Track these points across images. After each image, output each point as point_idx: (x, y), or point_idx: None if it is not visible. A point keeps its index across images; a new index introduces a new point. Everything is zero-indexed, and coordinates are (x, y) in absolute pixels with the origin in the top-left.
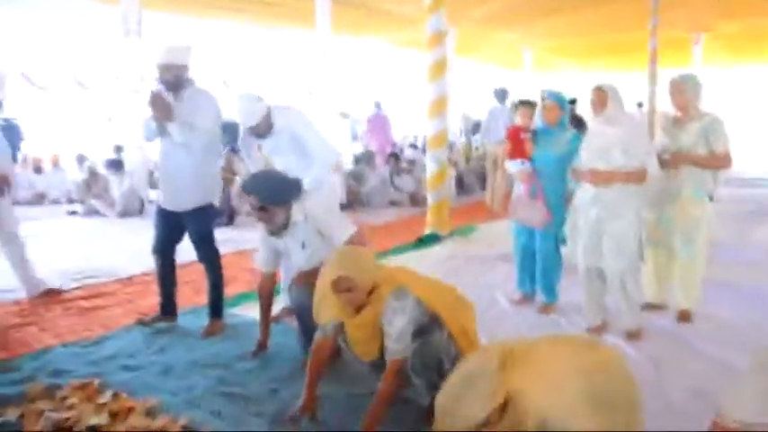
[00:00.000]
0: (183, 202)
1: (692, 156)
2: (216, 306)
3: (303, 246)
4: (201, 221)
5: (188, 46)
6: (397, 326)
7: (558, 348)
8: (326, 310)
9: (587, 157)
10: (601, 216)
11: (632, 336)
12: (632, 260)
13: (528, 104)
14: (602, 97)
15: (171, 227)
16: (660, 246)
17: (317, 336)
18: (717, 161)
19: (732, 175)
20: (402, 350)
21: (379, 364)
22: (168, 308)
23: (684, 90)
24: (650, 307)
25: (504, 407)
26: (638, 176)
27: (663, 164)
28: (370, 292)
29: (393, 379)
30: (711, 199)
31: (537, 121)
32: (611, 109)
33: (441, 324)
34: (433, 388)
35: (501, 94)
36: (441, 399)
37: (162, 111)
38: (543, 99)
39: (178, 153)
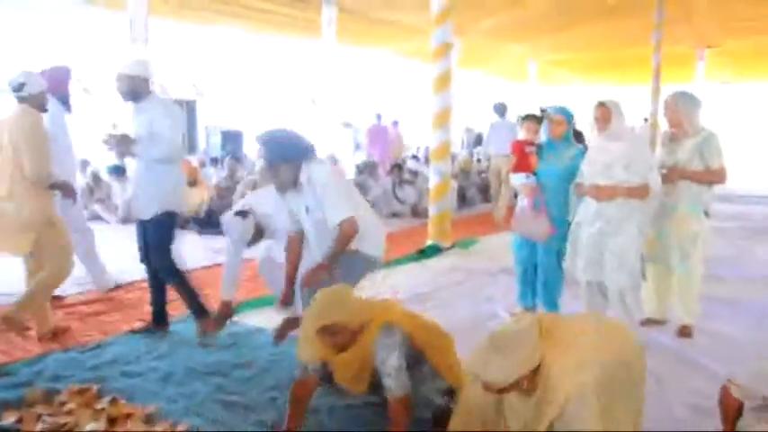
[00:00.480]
0: (143, 210)
1: (687, 171)
2: (195, 310)
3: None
4: (156, 230)
5: (148, 60)
6: (392, 363)
7: (584, 327)
8: (310, 351)
9: (590, 172)
10: (603, 231)
11: None
12: (633, 275)
13: (533, 118)
14: (605, 113)
15: (143, 235)
16: (659, 261)
17: (298, 375)
18: (712, 176)
19: (734, 192)
20: (402, 385)
21: (371, 396)
22: (159, 317)
23: (677, 107)
24: (651, 322)
25: (534, 372)
26: (640, 192)
27: (660, 179)
28: (358, 331)
29: (403, 416)
30: (707, 214)
31: (542, 136)
32: (615, 125)
33: (425, 358)
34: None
35: (500, 109)
36: (469, 363)
37: (120, 147)
38: (549, 114)
39: (139, 163)
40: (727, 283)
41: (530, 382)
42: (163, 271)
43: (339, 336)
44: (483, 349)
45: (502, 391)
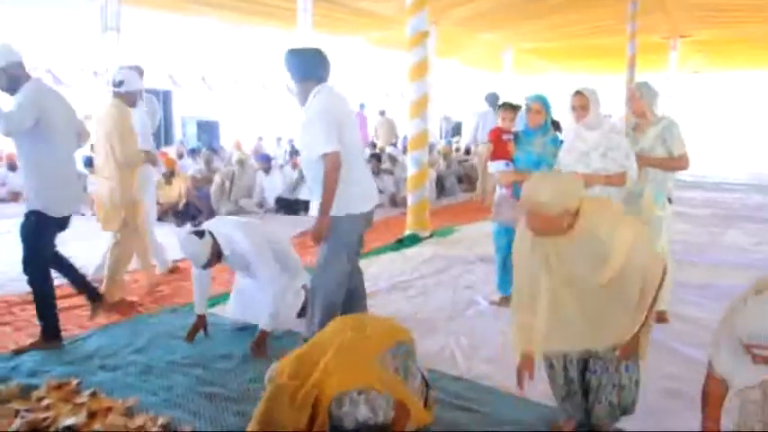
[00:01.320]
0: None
1: (652, 158)
2: (41, 316)
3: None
4: (22, 227)
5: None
6: (363, 411)
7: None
8: None
9: (568, 160)
10: None
11: None
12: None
13: (509, 107)
14: (583, 102)
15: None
16: None
17: None
18: (674, 162)
19: (706, 180)
20: (387, 411)
21: None
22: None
23: (640, 97)
24: None
25: (575, 216)
26: (618, 179)
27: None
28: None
29: (402, 414)
30: (670, 201)
31: (519, 124)
32: (592, 113)
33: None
34: None
35: (492, 99)
36: (523, 195)
37: None
38: (527, 102)
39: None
40: (698, 268)
41: (570, 224)
42: (25, 271)
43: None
44: (535, 179)
45: (545, 227)
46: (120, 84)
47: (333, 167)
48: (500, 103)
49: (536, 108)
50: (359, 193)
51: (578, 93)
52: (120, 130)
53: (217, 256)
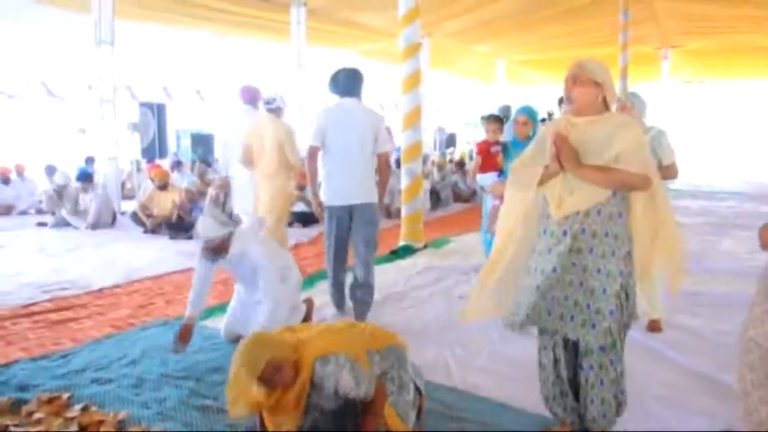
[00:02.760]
0: None
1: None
2: None
3: None
4: None
5: None
6: (347, 380)
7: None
8: (244, 408)
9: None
10: None
11: None
12: None
13: (495, 119)
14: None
15: None
16: None
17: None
18: (665, 172)
19: (699, 188)
20: (369, 387)
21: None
22: None
23: (631, 107)
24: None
25: (603, 101)
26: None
27: None
28: (295, 365)
29: (380, 398)
30: None
31: (507, 135)
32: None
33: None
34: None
35: (505, 111)
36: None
37: None
38: (514, 114)
39: None
40: (692, 276)
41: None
42: None
43: (283, 371)
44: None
45: (587, 101)
46: (273, 101)
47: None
48: (486, 114)
49: (522, 120)
50: (331, 189)
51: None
52: (290, 138)
53: (223, 248)
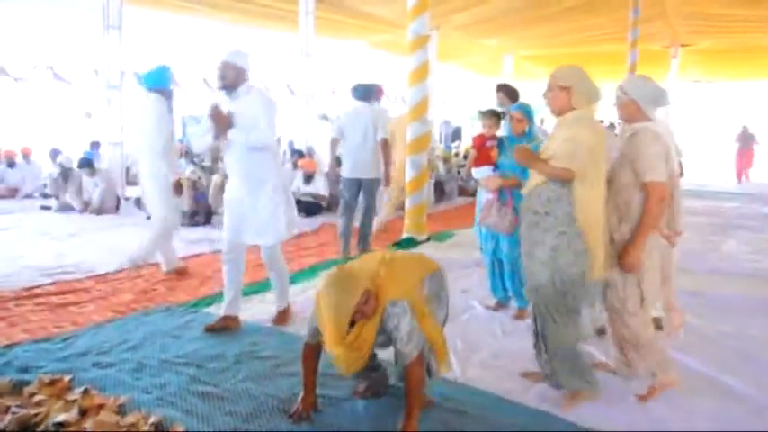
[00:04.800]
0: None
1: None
2: None
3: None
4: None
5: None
6: (405, 328)
7: None
8: (338, 336)
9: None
10: None
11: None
12: None
13: (492, 114)
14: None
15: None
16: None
17: (308, 339)
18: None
19: (704, 188)
20: (416, 346)
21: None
22: None
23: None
24: None
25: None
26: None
27: None
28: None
29: (419, 374)
30: None
31: (504, 130)
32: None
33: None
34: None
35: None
36: None
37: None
38: (509, 110)
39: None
40: (695, 276)
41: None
42: None
43: (371, 301)
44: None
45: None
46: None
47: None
48: (483, 109)
49: (517, 116)
50: (346, 166)
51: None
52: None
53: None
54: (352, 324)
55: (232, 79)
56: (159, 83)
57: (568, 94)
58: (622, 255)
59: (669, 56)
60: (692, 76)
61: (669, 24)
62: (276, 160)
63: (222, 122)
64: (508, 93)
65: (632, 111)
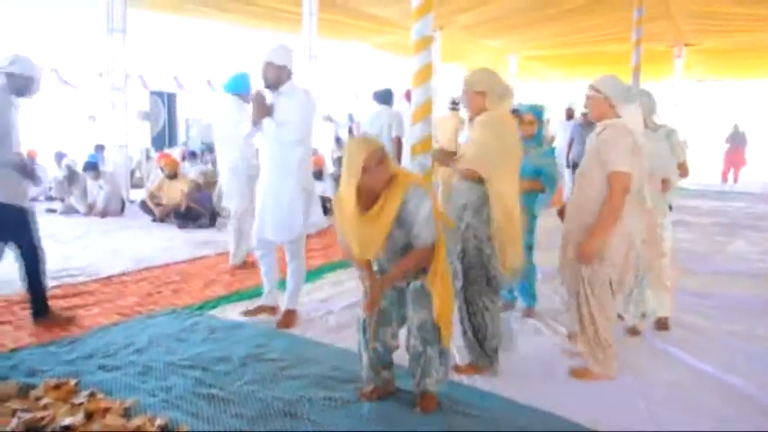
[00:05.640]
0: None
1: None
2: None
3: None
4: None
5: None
6: (424, 213)
7: None
8: (344, 212)
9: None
10: None
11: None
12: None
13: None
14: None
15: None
16: None
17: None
18: (681, 170)
19: (710, 188)
20: (431, 234)
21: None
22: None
23: (641, 104)
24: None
25: None
26: (667, 185)
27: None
28: (389, 180)
29: (427, 255)
30: (671, 208)
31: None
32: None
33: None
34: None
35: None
36: None
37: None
38: (520, 113)
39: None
40: (701, 276)
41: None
42: None
43: (382, 167)
44: None
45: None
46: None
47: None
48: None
49: (529, 119)
50: None
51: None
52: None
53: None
54: (374, 202)
55: (273, 78)
56: (238, 88)
57: (483, 97)
58: (581, 244)
59: (673, 55)
60: (695, 75)
61: (673, 24)
62: (306, 159)
63: (261, 108)
64: None
65: (604, 108)
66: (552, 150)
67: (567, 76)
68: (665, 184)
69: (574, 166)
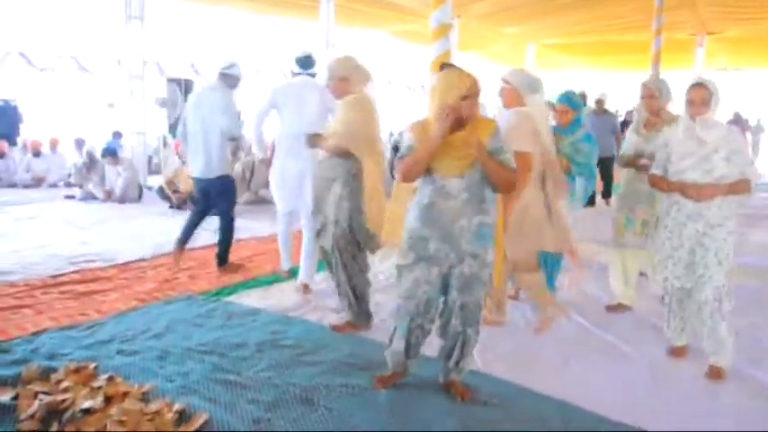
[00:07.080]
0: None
1: None
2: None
3: None
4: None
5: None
6: (508, 149)
7: None
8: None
9: (681, 166)
10: (702, 233)
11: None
12: (729, 277)
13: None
14: (704, 96)
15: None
16: (627, 246)
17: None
18: None
19: None
20: (514, 167)
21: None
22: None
23: (657, 94)
24: (621, 307)
25: None
26: (742, 187)
27: (637, 166)
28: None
29: (510, 176)
30: None
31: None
32: (713, 110)
33: None
34: None
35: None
36: None
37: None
38: (553, 103)
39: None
40: None
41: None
42: None
43: (473, 103)
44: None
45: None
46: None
47: None
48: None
49: (562, 108)
50: None
51: (699, 85)
52: None
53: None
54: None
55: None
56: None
57: (347, 82)
58: None
59: (695, 44)
60: (717, 64)
61: (695, 12)
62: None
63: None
64: None
65: (513, 97)
66: (588, 136)
67: (587, 64)
68: (741, 186)
69: None
